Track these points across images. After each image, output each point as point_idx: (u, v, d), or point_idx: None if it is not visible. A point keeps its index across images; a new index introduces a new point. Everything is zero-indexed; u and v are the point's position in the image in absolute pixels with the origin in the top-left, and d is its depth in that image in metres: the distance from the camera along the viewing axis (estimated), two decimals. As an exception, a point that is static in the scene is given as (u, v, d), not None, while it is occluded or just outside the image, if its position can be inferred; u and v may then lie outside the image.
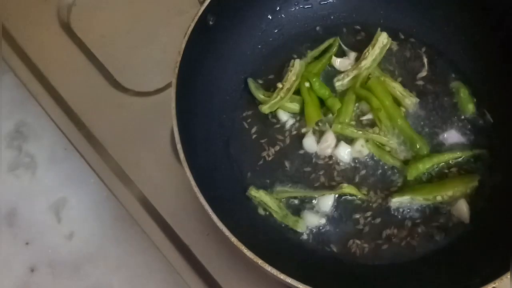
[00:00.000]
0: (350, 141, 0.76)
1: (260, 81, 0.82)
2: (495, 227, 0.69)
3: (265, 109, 0.77)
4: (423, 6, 0.82)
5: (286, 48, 0.84)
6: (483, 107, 0.78)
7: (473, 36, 0.80)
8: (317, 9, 0.86)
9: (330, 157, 0.76)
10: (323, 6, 0.86)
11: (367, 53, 0.80)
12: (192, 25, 0.71)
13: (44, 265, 0.84)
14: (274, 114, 0.80)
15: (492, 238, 0.68)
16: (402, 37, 0.83)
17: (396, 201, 0.72)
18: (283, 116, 0.79)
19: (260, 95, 0.79)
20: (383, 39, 0.80)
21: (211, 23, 0.74)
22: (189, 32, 0.70)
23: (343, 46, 0.83)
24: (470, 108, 0.78)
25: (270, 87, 0.81)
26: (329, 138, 0.76)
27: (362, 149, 0.75)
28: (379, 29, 0.81)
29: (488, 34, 0.78)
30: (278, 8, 0.84)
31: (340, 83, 0.80)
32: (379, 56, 0.80)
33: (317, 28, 0.85)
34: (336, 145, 0.76)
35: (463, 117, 0.78)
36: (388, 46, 0.81)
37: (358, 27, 0.85)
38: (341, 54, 0.83)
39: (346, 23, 0.85)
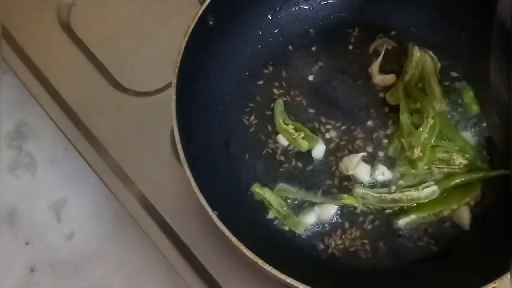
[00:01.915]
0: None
1: (261, 82, 0.82)
2: (495, 227, 0.69)
3: (279, 138, 0.77)
4: (424, 6, 0.82)
5: (286, 49, 0.84)
6: (485, 108, 0.78)
7: (474, 35, 0.79)
8: (317, 9, 0.86)
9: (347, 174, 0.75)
10: (323, 6, 0.86)
11: (407, 68, 0.80)
12: (192, 25, 0.71)
13: (44, 265, 0.84)
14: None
15: (492, 238, 0.68)
16: (402, 37, 0.83)
17: (402, 222, 0.72)
18: (283, 141, 0.78)
19: (280, 120, 0.78)
20: (417, 53, 0.80)
21: (211, 23, 0.74)
22: (189, 32, 0.70)
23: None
24: (474, 109, 0.77)
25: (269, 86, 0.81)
26: (355, 160, 0.74)
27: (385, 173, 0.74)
28: (410, 44, 0.81)
29: (491, 34, 0.78)
30: (278, 8, 0.84)
31: (392, 98, 0.78)
32: (417, 70, 0.79)
33: (317, 28, 0.85)
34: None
35: (465, 117, 0.78)
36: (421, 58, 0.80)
37: (358, 27, 0.85)
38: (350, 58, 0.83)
39: (346, 23, 0.85)
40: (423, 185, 0.72)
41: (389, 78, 0.80)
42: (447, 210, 0.72)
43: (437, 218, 0.72)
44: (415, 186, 0.72)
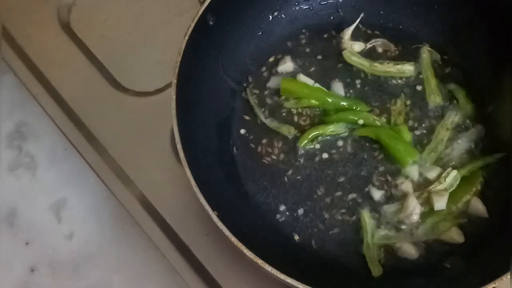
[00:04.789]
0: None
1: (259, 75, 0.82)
2: (494, 227, 0.69)
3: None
4: (423, 6, 0.82)
5: (286, 48, 0.84)
6: (483, 107, 0.78)
7: (474, 36, 0.80)
8: (317, 9, 0.86)
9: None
10: (323, 6, 0.86)
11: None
12: (192, 25, 0.71)
13: (44, 265, 0.84)
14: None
15: (491, 238, 0.68)
16: (401, 37, 0.84)
17: (421, 231, 0.71)
18: None
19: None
20: (425, 54, 0.81)
21: (211, 23, 0.74)
22: (189, 32, 0.70)
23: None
24: (467, 108, 0.78)
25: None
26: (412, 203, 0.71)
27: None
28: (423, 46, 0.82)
29: (489, 34, 0.78)
30: (278, 8, 0.84)
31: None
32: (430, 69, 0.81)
33: (317, 28, 0.85)
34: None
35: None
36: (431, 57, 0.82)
37: (359, 25, 0.85)
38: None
39: (346, 23, 0.85)
40: (443, 175, 0.72)
41: (358, 44, 0.82)
42: (459, 204, 0.72)
43: (451, 216, 0.71)
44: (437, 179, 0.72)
